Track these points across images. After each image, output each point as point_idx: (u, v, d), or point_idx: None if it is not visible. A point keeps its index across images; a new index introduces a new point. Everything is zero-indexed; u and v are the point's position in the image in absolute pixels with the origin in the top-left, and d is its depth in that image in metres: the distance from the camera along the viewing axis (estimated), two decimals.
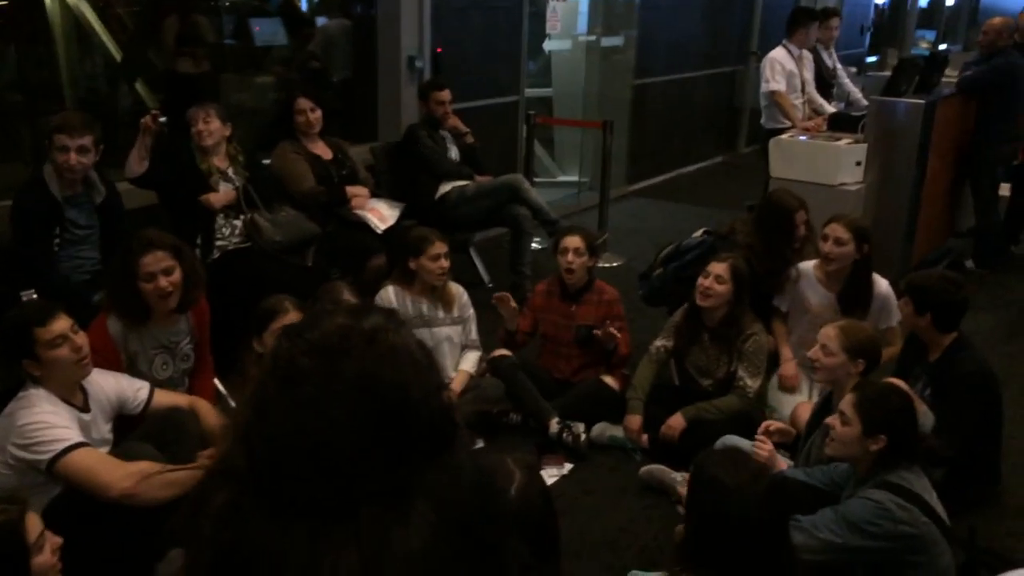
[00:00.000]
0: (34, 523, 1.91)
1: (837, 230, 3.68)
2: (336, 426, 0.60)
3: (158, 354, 3.16)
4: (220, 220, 4.08)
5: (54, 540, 1.95)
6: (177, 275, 3.03)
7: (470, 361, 3.91)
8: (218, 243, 4.08)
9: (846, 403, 2.57)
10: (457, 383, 3.77)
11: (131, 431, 2.82)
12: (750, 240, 3.98)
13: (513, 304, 3.92)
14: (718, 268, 3.55)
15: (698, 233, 4.29)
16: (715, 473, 1.99)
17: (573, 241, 3.85)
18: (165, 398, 2.90)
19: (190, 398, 2.98)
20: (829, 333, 3.03)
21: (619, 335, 3.79)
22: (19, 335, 2.53)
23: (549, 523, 1.85)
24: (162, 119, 3.78)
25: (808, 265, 3.90)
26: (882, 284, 3.80)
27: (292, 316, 2.93)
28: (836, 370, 2.99)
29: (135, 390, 2.84)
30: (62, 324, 2.56)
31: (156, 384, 3.08)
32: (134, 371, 3.07)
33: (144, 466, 2.47)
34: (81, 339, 2.61)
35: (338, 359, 0.61)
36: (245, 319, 3.09)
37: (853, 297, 3.73)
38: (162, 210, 4.20)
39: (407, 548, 0.58)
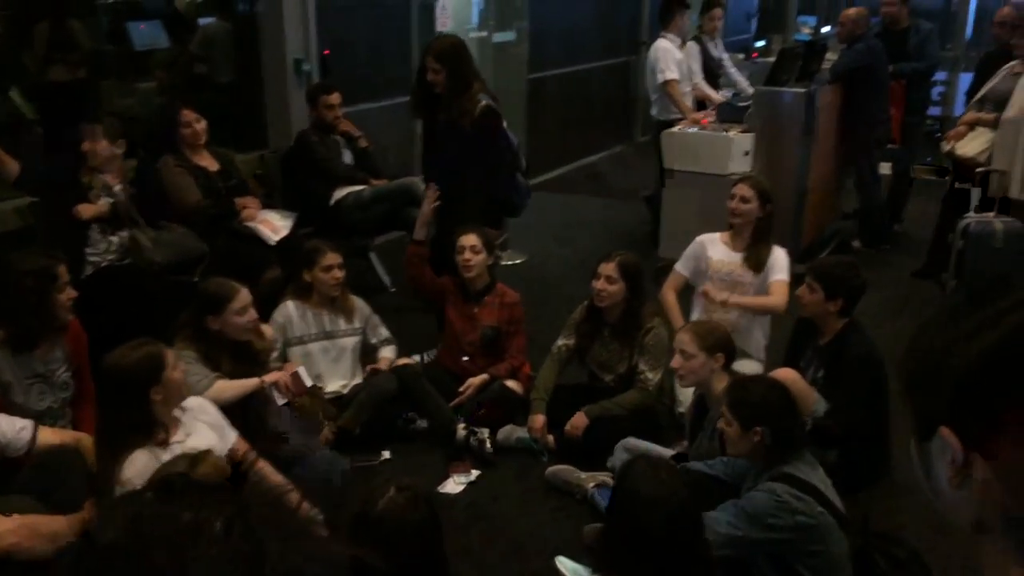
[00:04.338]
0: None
1: (742, 189, 3.96)
2: None
3: (34, 383, 3.01)
4: (96, 235, 3.95)
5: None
6: (72, 291, 3.07)
7: (390, 350, 3.95)
8: (92, 259, 3.96)
9: (724, 405, 2.67)
10: (380, 364, 3.87)
11: (11, 472, 2.67)
12: None
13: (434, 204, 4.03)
14: (607, 268, 3.58)
15: None
16: (638, 485, 2.04)
17: (469, 239, 3.83)
18: (50, 436, 2.75)
19: (76, 435, 2.84)
20: (683, 338, 3.17)
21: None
22: None
23: (423, 544, 1.86)
24: None
25: (714, 235, 4.10)
26: (779, 251, 4.02)
27: (244, 295, 3.18)
28: (700, 370, 3.11)
29: (16, 431, 2.68)
30: None
31: (35, 415, 2.96)
32: (8, 403, 2.92)
33: (29, 520, 2.33)
34: None
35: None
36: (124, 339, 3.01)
37: (753, 254, 3.96)
38: (37, 226, 4.07)
39: None
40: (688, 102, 6.13)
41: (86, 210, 3.93)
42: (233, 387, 3.17)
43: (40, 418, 2.98)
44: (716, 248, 4.04)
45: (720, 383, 3.07)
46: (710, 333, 3.15)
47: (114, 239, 4.00)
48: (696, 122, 5.79)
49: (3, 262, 3.06)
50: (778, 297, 3.83)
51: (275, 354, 3.64)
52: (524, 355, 3.96)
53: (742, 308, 3.87)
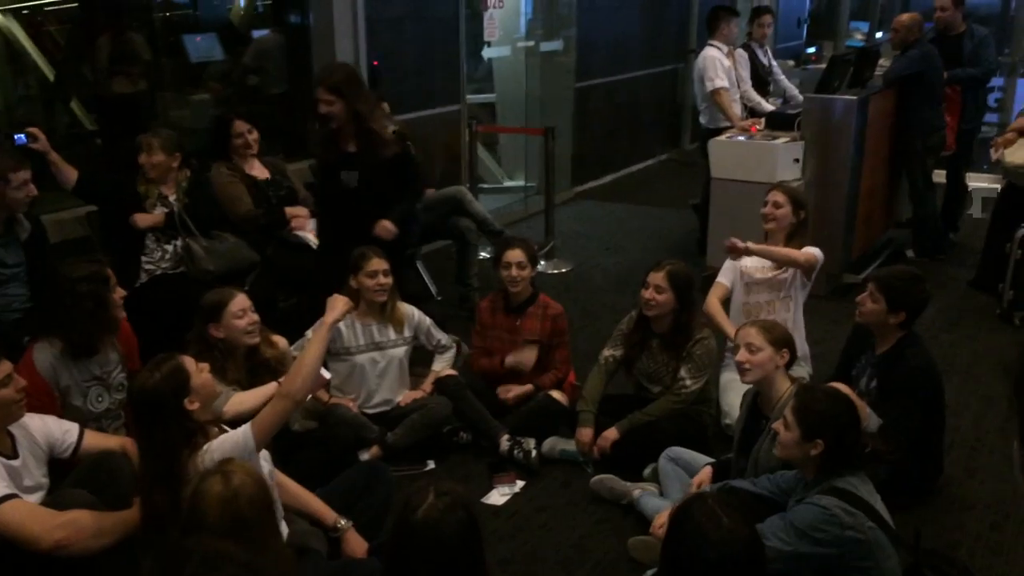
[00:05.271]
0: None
1: (775, 195, 4.00)
2: None
3: (92, 386, 3.09)
4: (151, 244, 4.05)
5: None
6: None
7: (443, 361, 3.95)
8: (147, 267, 4.05)
9: (788, 408, 2.60)
10: (427, 385, 3.84)
11: (65, 475, 2.74)
12: None
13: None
14: (656, 278, 3.55)
15: None
16: (701, 527, 1.95)
17: (515, 255, 3.83)
18: (96, 441, 2.80)
19: (122, 440, 2.90)
20: (750, 331, 3.10)
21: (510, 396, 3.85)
22: None
23: (463, 550, 1.86)
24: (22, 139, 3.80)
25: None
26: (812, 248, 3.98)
27: (240, 299, 3.18)
28: (766, 364, 3.03)
29: (63, 432, 2.74)
30: (7, 365, 2.51)
31: (94, 418, 3.05)
32: (68, 407, 3.00)
33: (75, 515, 2.39)
34: (22, 381, 2.57)
35: None
36: (177, 345, 3.09)
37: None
38: (94, 235, 4.19)
39: None
40: (737, 110, 6.07)
41: (143, 220, 4.03)
42: (252, 396, 3.11)
43: (99, 420, 3.08)
44: (750, 258, 4.04)
45: (783, 383, 3.02)
46: (775, 328, 3.12)
47: (169, 248, 4.09)
48: (745, 130, 5.74)
49: (55, 272, 3.16)
50: (806, 253, 3.88)
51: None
52: (568, 366, 3.95)
53: (766, 256, 3.90)
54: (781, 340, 3.06)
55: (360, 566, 2.68)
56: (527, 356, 3.85)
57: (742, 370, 3.09)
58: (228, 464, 2.01)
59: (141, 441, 2.50)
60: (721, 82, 5.93)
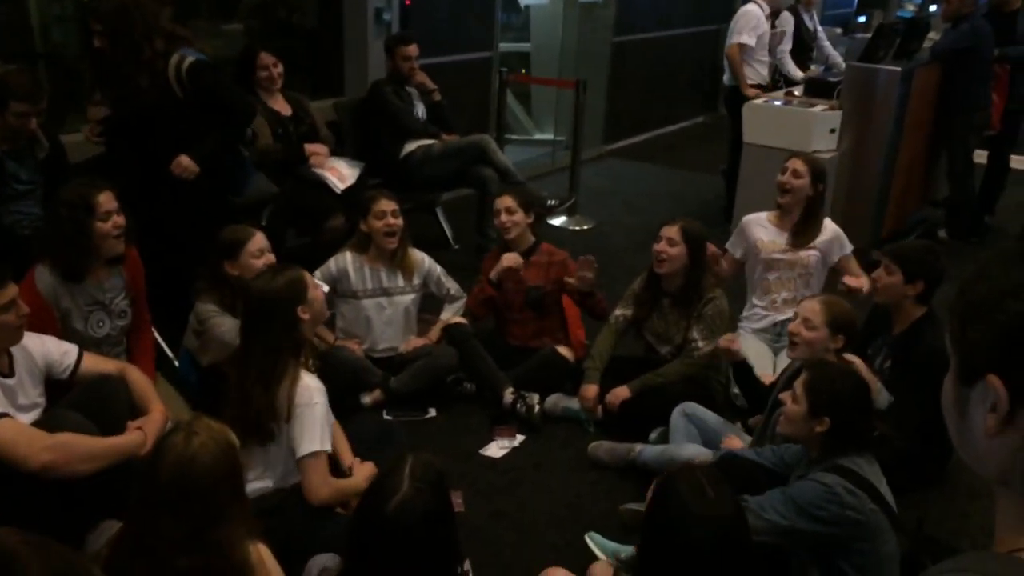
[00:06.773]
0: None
1: (796, 163, 3.86)
2: None
3: (93, 311, 3.06)
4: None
5: None
6: (122, 218, 3.02)
7: (452, 310, 3.88)
8: None
9: (799, 381, 2.52)
10: (433, 333, 3.78)
11: (62, 396, 2.73)
12: None
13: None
14: (670, 231, 3.47)
15: None
16: (682, 494, 1.91)
17: (504, 201, 3.78)
18: (95, 364, 2.78)
19: (121, 365, 2.88)
20: (813, 307, 2.98)
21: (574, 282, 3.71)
22: None
23: (435, 545, 1.79)
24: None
25: (759, 215, 4.00)
26: (830, 223, 3.93)
27: (259, 238, 3.17)
28: (815, 344, 2.92)
29: (61, 353, 2.72)
30: (13, 289, 2.47)
31: (94, 343, 3.03)
32: (68, 329, 2.98)
33: (65, 439, 2.37)
34: (25, 308, 2.53)
35: None
36: (191, 276, 3.17)
37: (802, 231, 3.87)
38: (109, 164, 4.07)
39: None
40: (764, 72, 5.89)
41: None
42: None
43: (99, 345, 3.06)
44: (763, 229, 3.95)
45: None
46: (839, 308, 2.97)
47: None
48: (752, 97, 5.58)
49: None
50: (862, 281, 3.72)
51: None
52: (605, 303, 3.84)
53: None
54: (841, 323, 2.94)
55: None
56: (508, 260, 3.70)
57: (791, 343, 3.00)
58: (199, 422, 1.90)
59: (248, 342, 2.59)
60: (743, 39, 5.75)
